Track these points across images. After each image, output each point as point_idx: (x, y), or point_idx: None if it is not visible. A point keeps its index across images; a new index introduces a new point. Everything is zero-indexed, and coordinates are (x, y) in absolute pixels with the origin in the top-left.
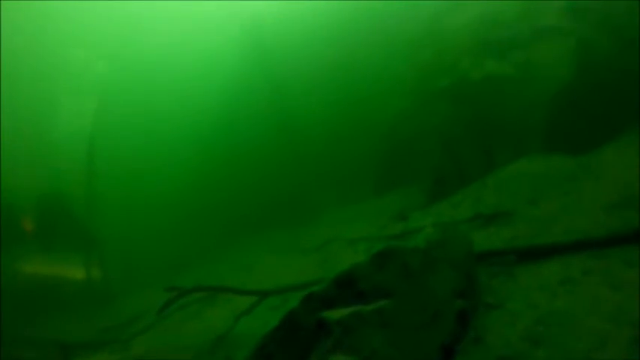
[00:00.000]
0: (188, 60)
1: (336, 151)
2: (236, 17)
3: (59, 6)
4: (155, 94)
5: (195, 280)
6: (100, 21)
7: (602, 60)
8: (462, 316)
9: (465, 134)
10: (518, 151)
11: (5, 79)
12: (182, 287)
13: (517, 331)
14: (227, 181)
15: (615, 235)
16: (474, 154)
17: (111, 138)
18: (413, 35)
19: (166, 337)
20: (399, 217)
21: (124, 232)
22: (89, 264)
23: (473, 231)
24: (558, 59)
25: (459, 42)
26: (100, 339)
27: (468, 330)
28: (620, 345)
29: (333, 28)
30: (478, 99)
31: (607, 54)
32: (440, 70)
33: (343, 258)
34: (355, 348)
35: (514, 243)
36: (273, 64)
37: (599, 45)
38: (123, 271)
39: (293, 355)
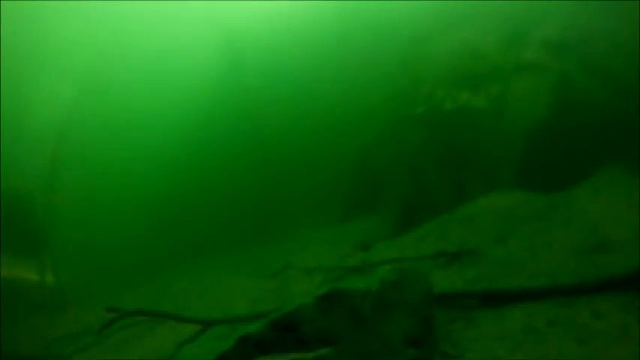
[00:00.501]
0: (165, 72)
1: (306, 173)
2: (214, 36)
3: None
4: (129, 101)
5: (147, 298)
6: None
7: (581, 98)
8: None
9: (436, 164)
10: (488, 184)
11: None
12: (123, 309)
13: None
14: (194, 196)
15: (584, 283)
16: (444, 185)
17: (80, 139)
18: (391, 62)
19: (106, 357)
20: (362, 247)
21: (83, 237)
22: (43, 269)
23: (435, 269)
24: (536, 95)
25: (436, 71)
26: (42, 353)
27: None
28: None
29: (310, 52)
30: (451, 130)
31: (586, 92)
32: (415, 98)
33: (297, 287)
34: None
35: (477, 285)
36: (248, 84)
37: (578, 82)
38: (79, 278)
39: None
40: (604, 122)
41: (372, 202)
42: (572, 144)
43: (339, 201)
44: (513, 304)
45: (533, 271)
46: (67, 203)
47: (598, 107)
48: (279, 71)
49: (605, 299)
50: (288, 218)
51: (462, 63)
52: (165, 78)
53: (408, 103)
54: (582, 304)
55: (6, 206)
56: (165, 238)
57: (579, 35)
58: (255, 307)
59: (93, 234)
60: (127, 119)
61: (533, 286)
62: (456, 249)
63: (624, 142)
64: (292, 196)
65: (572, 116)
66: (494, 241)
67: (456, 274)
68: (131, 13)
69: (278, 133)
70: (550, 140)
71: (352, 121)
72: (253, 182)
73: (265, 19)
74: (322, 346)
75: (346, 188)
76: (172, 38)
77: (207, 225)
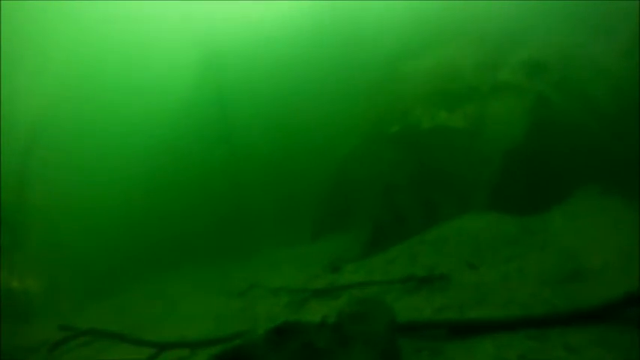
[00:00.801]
0: (140, 83)
1: (279, 188)
2: (193, 47)
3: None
4: (99, 107)
5: (110, 312)
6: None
7: (558, 119)
8: None
9: (410, 184)
10: (462, 206)
11: None
12: (76, 328)
13: None
14: (163, 207)
15: (557, 314)
16: (417, 205)
17: (51, 141)
18: (368, 79)
19: None
20: (331, 269)
21: (52, 243)
22: (10, 274)
23: (403, 294)
24: (513, 116)
25: (413, 89)
26: None
27: None
28: None
29: (287, 66)
30: (426, 149)
31: (563, 113)
32: (391, 116)
33: (262, 308)
34: None
35: (446, 313)
36: (223, 94)
37: (556, 104)
38: (46, 286)
39: None
40: (581, 144)
41: (344, 221)
42: (549, 166)
43: (311, 217)
44: (484, 336)
45: (505, 299)
46: (35, 206)
47: (575, 129)
48: (254, 84)
49: (579, 332)
50: (258, 233)
51: (439, 82)
52: (138, 85)
53: (384, 121)
54: (556, 337)
55: None
56: (133, 249)
57: (557, 56)
58: (221, 327)
59: (61, 240)
60: (98, 125)
61: (505, 316)
62: (426, 273)
63: (601, 165)
64: (264, 211)
65: (549, 138)
66: (465, 266)
67: (424, 300)
68: (108, 14)
69: (251, 146)
70: (526, 162)
71: (327, 136)
72: (224, 195)
73: (243, 30)
74: None
75: (318, 205)
76: (148, 42)
77: (176, 237)
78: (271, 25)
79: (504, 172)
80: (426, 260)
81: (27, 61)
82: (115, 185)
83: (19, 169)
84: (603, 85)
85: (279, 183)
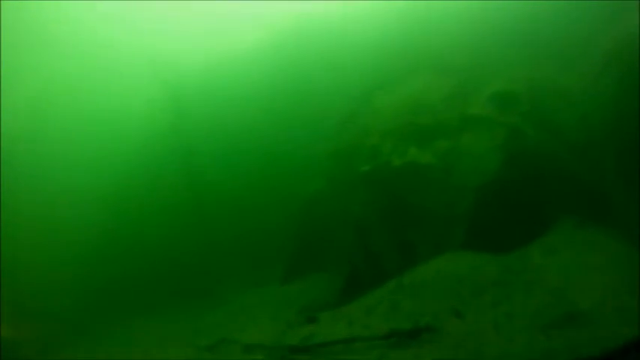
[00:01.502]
0: (97, 108)
1: (244, 226)
2: (158, 80)
3: None
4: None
5: None
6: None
7: (532, 152)
8: None
9: (382, 224)
10: (438, 244)
11: None
12: None
13: None
14: (123, 245)
15: None
16: (391, 245)
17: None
18: (337, 114)
19: None
20: (307, 319)
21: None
22: None
23: (389, 351)
24: (484, 149)
25: (384, 124)
26: None
27: None
28: None
29: (254, 101)
30: (398, 187)
31: (537, 146)
32: (361, 152)
33: None
34: None
35: None
36: (186, 134)
37: (528, 136)
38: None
39: None
40: (553, 175)
41: (315, 261)
42: (523, 199)
43: (278, 255)
44: None
45: (500, 351)
46: None
47: (547, 160)
48: (216, 118)
49: None
50: (226, 272)
51: (408, 116)
52: (98, 114)
53: (354, 157)
54: None
55: None
56: (94, 292)
57: (525, 87)
58: None
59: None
60: (58, 156)
61: None
62: (411, 325)
63: (574, 196)
64: (230, 249)
65: (522, 170)
66: (450, 314)
67: (414, 357)
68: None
69: (214, 182)
70: (500, 196)
71: (294, 173)
72: (188, 234)
73: (207, 63)
74: None
75: (287, 244)
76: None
77: (137, 279)
78: (236, 58)
79: (479, 208)
80: (408, 308)
81: None
82: (67, 226)
83: None
84: (572, 115)
85: (245, 220)
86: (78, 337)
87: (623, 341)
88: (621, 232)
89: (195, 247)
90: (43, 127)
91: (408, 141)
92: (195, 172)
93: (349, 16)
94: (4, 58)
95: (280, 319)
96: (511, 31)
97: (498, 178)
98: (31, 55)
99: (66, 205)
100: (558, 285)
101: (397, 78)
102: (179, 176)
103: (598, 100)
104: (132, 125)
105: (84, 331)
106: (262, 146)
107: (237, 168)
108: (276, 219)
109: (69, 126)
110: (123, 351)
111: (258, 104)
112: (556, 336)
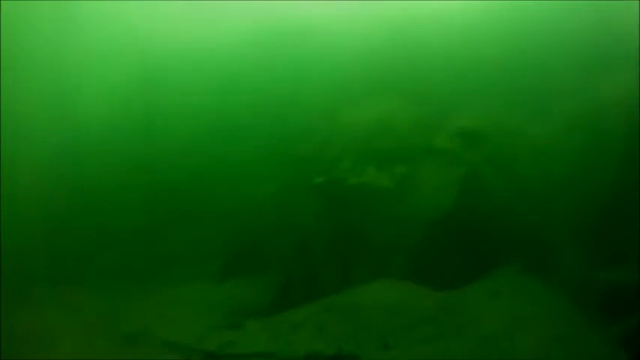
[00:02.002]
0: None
1: (191, 218)
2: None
3: None
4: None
5: None
6: None
7: (487, 194)
8: None
9: (327, 239)
10: (378, 270)
11: None
12: None
13: None
14: (67, 222)
15: None
16: (332, 262)
17: None
18: (301, 122)
19: None
20: (231, 324)
21: None
22: None
23: None
24: (442, 183)
25: (345, 140)
26: None
27: None
28: None
29: (221, 95)
30: (349, 205)
31: (493, 188)
32: (319, 164)
33: None
34: None
35: None
36: (154, 117)
37: (486, 177)
38: None
39: None
40: (507, 222)
41: (253, 265)
42: (472, 239)
43: (219, 255)
44: None
45: None
46: None
47: (502, 205)
48: (183, 107)
49: None
50: (166, 262)
51: (372, 137)
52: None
53: (310, 169)
54: None
55: None
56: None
57: (493, 129)
58: None
59: None
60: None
61: None
62: (334, 351)
63: (524, 245)
64: (175, 239)
65: (476, 211)
66: (378, 345)
67: None
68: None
69: (172, 167)
70: (450, 232)
71: (246, 175)
72: (138, 215)
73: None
74: None
75: (229, 244)
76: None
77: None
78: (211, 51)
79: (425, 240)
80: (334, 331)
81: None
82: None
83: None
84: (535, 166)
85: (192, 211)
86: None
87: None
88: (563, 286)
89: (141, 229)
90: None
91: (367, 161)
92: (154, 154)
93: (323, 28)
94: None
95: (205, 320)
96: (488, 71)
97: (450, 214)
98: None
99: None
100: (492, 332)
101: (365, 96)
102: (139, 157)
103: (564, 157)
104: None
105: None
106: (218, 142)
107: (194, 157)
108: (222, 217)
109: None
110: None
111: (226, 99)
112: None
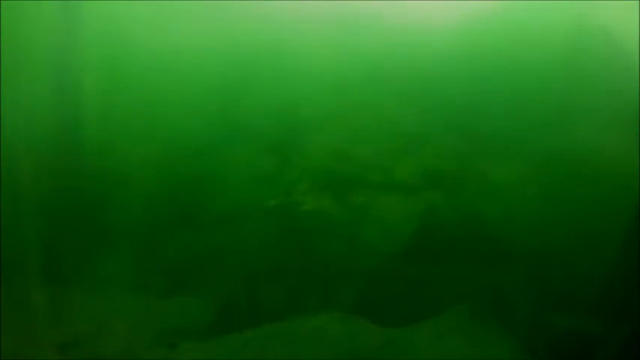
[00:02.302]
0: None
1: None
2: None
3: None
4: None
5: None
6: None
7: (445, 233)
8: None
9: (275, 264)
10: (326, 301)
11: None
12: None
13: None
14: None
15: None
16: (278, 288)
17: None
18: (264, 139)
19: None
20: (166, 343)
21: None
22: None
23: None
24: (400, 217)
25: (307, 161)
26: None
27: None
28: None
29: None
30: (302, 232)
31: (450, 227)
32: (276, 185)
33: None
34: None
35: None
36: None
37: (446, 216)
38: None
39: None
40: (462, 262)
41: (197, 282)
42: (426, 277)
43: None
44: None
45: None
46: None
47: (460, 246)
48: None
49: None
50: (112, 269)
51: (332, 162)
52: None
53: (267, 188)
54: None
55: None
56: None
57: (457, 169)
58: None
59: None
60: None
61: None
62: None
63: (478, 287)
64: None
65: (433, 249)
66: None
67: None
68: None
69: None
70: (404, 268)
71: (202, 189)
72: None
73: None
74: None
75: (178, 256)
76: None
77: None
78: None
79: (377, 275)
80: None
81: None
82: None
83: None
84: (495, 209)
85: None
86: None
87: None
88: (513, 331)
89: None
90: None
91: (326, 187)
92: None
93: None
94: None
95: (142, 336)
96: (454, 112)
97: (404, 250)
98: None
99: None
100: None
101: (332, 117)
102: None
103: (525, 202)
104: None
105: None
106: (182, 159)
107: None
108: (169, 232)
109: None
110: None
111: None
112: None
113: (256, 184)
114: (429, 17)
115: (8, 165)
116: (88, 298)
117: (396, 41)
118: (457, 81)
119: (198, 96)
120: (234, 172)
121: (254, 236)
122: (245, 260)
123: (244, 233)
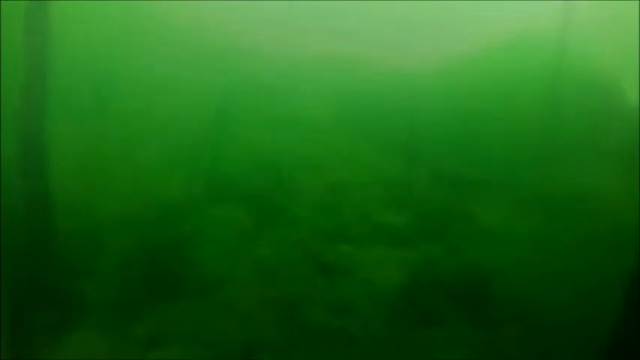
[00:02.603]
0: None
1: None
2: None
3: None
4: None
5: None
6: None
7: (435, 282)
8: None
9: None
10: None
11: None
12: None
13: None
14: None
15: None
16: (266, 343)
17: None
18: (260, 184)
19: None
20: None
21: None
22: None
23: None
24: (390, 270)
25: (300, 209)
26: None
27: None
28: None
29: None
30: (288, 280)
31: (441, 276)
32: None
33: None
34: None
35: None
36: None
37: (440, 265)
38: None
39: None
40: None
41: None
42: (413, 330)
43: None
44: None
45: None
46: None
47: (449, 293)
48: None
49: None
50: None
51: (322, 217)
52: None
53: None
54: None
55: None
56: None
57: (443, 219)
58: None
59: None
60: None
61: None
62: None
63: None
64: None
65: (418, 305)
66: None
67: None
68: None
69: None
70: (390, 324)
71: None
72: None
73: None
74: None
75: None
76: None
77: None
78: None
79: (366, 327)
80: None
81: None
82: None
83: None
84: (487, 255)
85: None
86: None
87: None
88: None
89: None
90: None
91: (318, 241)
92: None
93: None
94: None
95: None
96: (441, 156)
97: (393, 302)
98: None
99: None
100: None
101: (314, 167)
102: None
103: (514, 243)
104: None
105: None
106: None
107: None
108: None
109: None
110: None
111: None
112: None
113: (243, 234)
114: (412, 64)
115: None
116: None
117: (379, 89)
118: (441, 126)
119: (175, 148)
120: (212, 234)
121: (234, 306)
122: (224, 332)
123: (223, 304)
